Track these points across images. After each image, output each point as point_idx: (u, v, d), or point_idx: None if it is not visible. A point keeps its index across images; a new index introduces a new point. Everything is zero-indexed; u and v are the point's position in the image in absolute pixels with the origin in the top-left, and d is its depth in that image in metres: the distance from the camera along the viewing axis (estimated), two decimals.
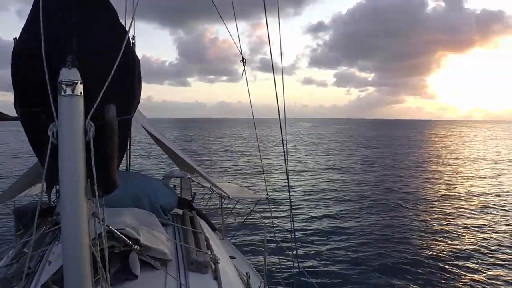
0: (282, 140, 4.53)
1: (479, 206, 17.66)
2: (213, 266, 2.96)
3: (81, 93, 1.46)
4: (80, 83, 1.46)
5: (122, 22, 1.71)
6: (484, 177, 26.38)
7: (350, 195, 19.75)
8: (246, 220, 8.34)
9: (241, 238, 10.84)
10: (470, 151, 47.97)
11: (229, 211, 7.34)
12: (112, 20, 1.66)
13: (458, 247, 11.96)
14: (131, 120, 1.76)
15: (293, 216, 8.66)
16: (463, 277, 9.87)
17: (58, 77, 1.45)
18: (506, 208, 17.27)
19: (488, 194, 20.42)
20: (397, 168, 30.85)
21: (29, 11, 1.58)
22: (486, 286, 9.32)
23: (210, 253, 3.15)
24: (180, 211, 4.42)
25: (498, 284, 9.43)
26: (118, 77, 1.56)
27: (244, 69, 4.86)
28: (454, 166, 32.44)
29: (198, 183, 7.01)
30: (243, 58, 4.79)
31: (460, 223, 14.79)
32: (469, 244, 12.27)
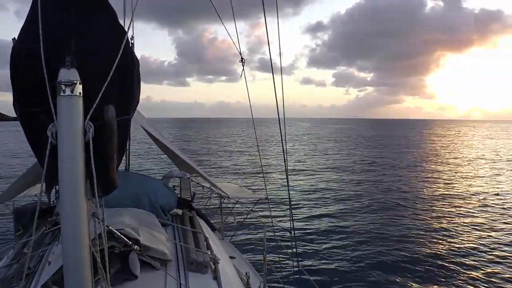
0: (282, 139, 4.53)
1: (478, 205, 17.68)
2: (213, 266, 2.96)
3: (80, 93, 1.46)
4: (79, 84, 1.46)
5: (121, 22, 1.71)
6: (483, 176, 26.40)
7: (349, 195, 19.76)
8: (245, 220, 8.34)
9: (241, 238, 10.84)
10: (469, 150, 48.01)
11: (229, 211, 7.34)
12: (111, 21, 1.66)
13: (457, 245, 11.98)
14: (130, 121, 1.76)
15: (293, 215, 8.66)
16: (461, 274, 9.89)
17: (57, 77, 1.45)
18: (505, 207, 17.30)
19: (487, 193, 20.44)
20: (396, 167, 30.86)
21: (28, 11, 1.58)
22: (485, 284, 9.34)
23: (209, 253, 3.15)
24: (179, 211, 4.42)
25: (497, 282, 9.45)
26: (117, 78, 1.56)
27: (243, 69, 4.86)
28: (453, 166, 32.46)
29: (198, 183, 7.01)
30: (242, 58, 4.79)
31: (458, 221, 14.81)
32: (467, 242, 12.30)
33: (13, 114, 1.68)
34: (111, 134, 1.56)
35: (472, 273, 10.00)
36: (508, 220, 15.15)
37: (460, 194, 20.21)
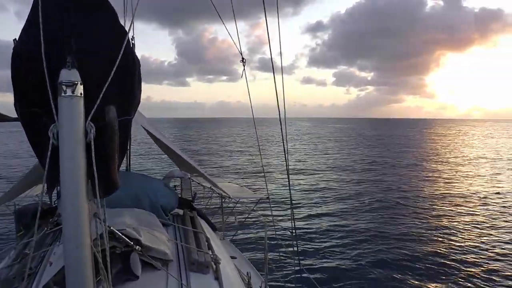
0: (283, 139, 4.53)
1: (478, 204, 17.69)
2: (214, 266, 2.96)
3: (81, 94, 1.46)
4: (80, 84, 1.46)
5: (122, 22, 1.71)
6: (484, 175, 26.39)
7: (350, 194, 19.76)
8: (246, 219, 8.34)
9: (242, 238, 10.84)
10: (470, 149, 47.99)
11: (230, 211, 7.34)
12: (111, 21, 1.66)
13: (458, 244, 12.00)
14: (131, 121, 1.76)
15: (294, 215, 8.67)
16: (462, 272, 9.92)
17: (58, 78, 1.45)
18: (505, 206, 17.30)
19: (487, 191, 20.43)
20: (396, 167, 30.86)
21: (28, 12, 1.58)
22: (485, 282, 9.36)
23: (211, 253, 3.15)
24: (180, 211, 4.42)
25: (497, 280, 9.47)
26: (118, 78, 1.56)
27: (244, 69, 4.86)
28: (453, 165, 32.45)
29: (198, 183, 7.01)
30: (243, 59, 4.78)
31: (459, 220, 14.82)
32: (468, 241, 12.31)
33: (14, 114, 1.69)
34: (112, 134, 1.56)
35: (473, 270, 10.02)
36: (509, 219, 15.17)
37: (460, 193, 20.20)
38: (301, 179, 24.09)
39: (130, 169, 6.61)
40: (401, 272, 9.80)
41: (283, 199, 17.08)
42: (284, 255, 9.41)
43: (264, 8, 4.12)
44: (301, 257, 9.61)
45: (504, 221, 14.84)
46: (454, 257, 10.87)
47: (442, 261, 10.59)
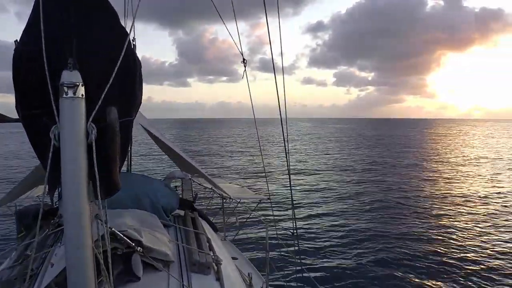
0: (284, 139, 4.52)
1: (479, 204, 17.68)
2: (215, 267, 2.96)
3: (82, 95, 1.46)
4: (82, 85, 1.46)
5: (122, 23, 1.71)
6: (484, 175, 26.37)
7: (351, 194, 19.75)
8: (247, 220, 8.32)
9: (243, 238, 10.82)
10: (470, 149, 47.95)
11: (231, 212, 7.33)
12: (112, 22, 1.66)
13: (459, 244, 11.99)
14: (132, 122, 1.76)
15: (295, 215, 8.66)
16: (462, 271, 9.93)
17: (59, 79, 1.45)
18: (506, 205, 17.30)
19: (488, 192, 20.41)
20: (397, 167, 30.85)
21: (29, 13, 1.58)
22: (485, 282, 9.38)
23: (212, 254, 3.15)
24: (181, 212, 4.42)
25: (498, 279, 9.49)
26: (119, 79, 1.56)
27: (245, 70, 4.85)
28: (454, 165, 32.42)
29: (199, 184, 7.01)
30: (244, 59, 4.78)
31: (459, 220, 14.81)
32: (468, 240, 12.31)
33: (15, 115, 1.69)
34: (113, 135, 1.57)
35: (473, 269, 10.05)
36: (509, 218, 15.21)
37: (461, 193, 20.19)
38: (302, 179, 24.08)
39: (131, 170, 6.62)
40: (402, 272, 9.79)
41: (284, 200, 17.08)
42: (285, 255, 9.40)
43: (265, 9, 4.12)
44: (302, 258, 9.61)
45: (504, 220, 14.86)
46: (454, 257, 10.87)
47: (443, 260, 10.59)
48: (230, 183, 9.69)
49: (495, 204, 17.63)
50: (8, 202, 5.44)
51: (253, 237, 11.42)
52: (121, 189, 1.71)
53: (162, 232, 3.12)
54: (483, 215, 15.65)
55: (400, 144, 55.65)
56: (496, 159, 36.79)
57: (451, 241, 12.29)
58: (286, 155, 4.84)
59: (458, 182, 23.61)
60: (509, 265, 10.32)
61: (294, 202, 16.45)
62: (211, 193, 7.05)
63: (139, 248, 2.58)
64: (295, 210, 11.37)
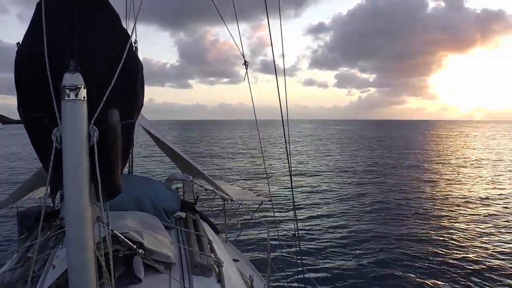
0: (285, 141, 4.52)
1: (480, 205, 17.68)
2: (217, 269, 2.96)
3: (84, 97, 1.46)
4: (84, 88, 1.46)
5: (124, 25, 1.71)
6: (485, 177, 26.33)
7: (352, 196, 19.73)
8: (249, 222, 8.32)
9: (244, 240, 10.82)
10: (472, 151, 47.90)
11: (232, 214, 7.33)
12: (114, 24, 1.66)
13: (459, 245, 11.99)
14: (134, 124, 1.76)
15: (297, 218, 8.65)
16: (463, 272, 9.93)
17: (61, 82, 1.45)
18: (507, 207, 17.29)
19: (489, 193, 20.37)
20: (398, 168, 30.82)
21: (31, 15, 1.59)
22: (486, 282, 9.39)
23: (213, 256, 3.14)
24: (183, 214, 4.41)
25: (498, 279, 9.51)
26: (121, 82, 1.56)
27: (246, 72, 4.85)
28: (456, 166, 32.38)
29: (201, 186, 7.00)
30: (245, 61, 4.78)
31: (460, 221, 14.80)
32: (469, 241, 12.31)
33: (17, 117, 1.69)
34: (115, 138, 1.57)
35: (474, 270, 10.05)
36: (510, 219, 15.23)
37: (462, 194, 20.16)
38: (303, 181, 24.07)
39: (132, 171, 6.62)
40: (403, 273, 9.79)
41: (285, 201, 17.07)
42: (287, 257, 9.39)
43: (266, 10, 4.12)
44: (303, 259, 9.60)
45: (505, 221, 14.88)
46: (455, 258, 10.88)
47: (443, 261, 10.60)
48: (231, 185, 9.68)
49: (496, 205, 17.61)
50: (10, 203, 5.45)
51: (254, 238, 11.43)
52: (123, 191, 1.72)
53: (163, 234, 3.11)
54: (484, 216, 15.65)
55: (401, 146, 55.61)
56: (497, 160, 36.73)
57: (452, 242, 12.29)
58: (287, 156, 4.84)
59: (459, 184, 23.57)
60: (510, 265, 10.33)
61: (295, 203, 16.44)
62: (213, 195, 7.05)
63: (140, 250, 2.58)
64: (296, 212, 11.38)
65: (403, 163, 34.40)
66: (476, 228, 13.86)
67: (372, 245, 11.95)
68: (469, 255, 11.12)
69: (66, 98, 1.44)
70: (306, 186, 22.34)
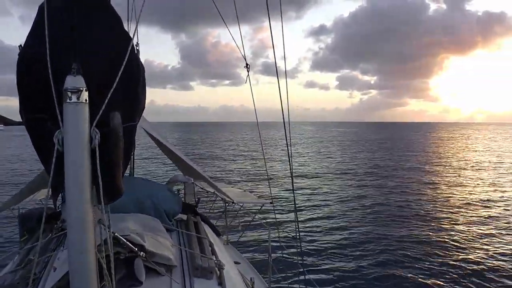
0: (287, 144, 4.51)
1: (481, 207, 17.70)
2: (218, 272, 2.95)
3: (86, 100, 1.46)
4: (85, 90, 1.46)
5: (126, 28, 1.72)
6: (487, 179, 26.30)
7: (354, 198, 19.70)
8: (250, 225, 8.31)
9: (246, 243, 10.81)
10: (473, 153, 47.84)
11: (233, 216, 7.32)
12: (116, 27, 1.67)
13: (460, 246, 12.02)
14: (136, 127, 1.76)
15: (298, 220, 8.64)
16: (464, 272, 9.98)
17: (63, 84, 1.45)
18: (508, 209, 17.30)
19: (491, 195, 20.34)
20: (399, 170, 30.79)
21: (33, 17, 1.59)
22: (487, 283, 9.43)
23: (214, 258, 3.14)
24: (184, 216, 4.41)
25: (499, 281, 9.55)
26: (122, 84, 1.56)
27: (248, 74, 4.85)
28: (456, 168, 32.35)
29: (202, 188, 7.00)
30: (247, 64, 4.78)
31: (461, 223, 14.80)
32: (470, 243, 12.32)
33: (18, 118, 1.69)
34: (117, 140, 1.57)
35: (474, 271, 10.11)
36: (511, 220, 15.27)
37: (463, 196, 20.15)
38: (305, 183, 24.06)
39: (134, 173, 6.62)
40: (405, 276, 9.78)
41: (287, 203, 17.05)
42: (288, 259, 9.37)
43: (268, 12, 4.12)
44: (304, 262, 9.59)
45: (505, 223, 14.90)
46: (456, 260, 10.89)
47: (444, 263, 10.61)
48: (232, 187, 9.68)
49: (497, 207, 17.61)
50: (12, 205, 5.45)
51: (255, 241, 11.42)
52: (124, 193, 1.72)
53: (164, 237, 3.11)
54: (485, 218, 15.67)
55: (402, 148, 55.56)
56: (498, 163, 36.68)
57: (453, 244, 12.30)
58: (289, 158, 4.83)
59: (460, 186, 23.54)
60: (511, 267, 10.35)
61: (297, 206, 16.42)
62: (214, 197, 7.05)
63: (141, 252, 2.58)
64: (298, 215, 11.38)
65: (404, 165, 34.38)
66: (477, 230, 13.86)
67: (373, 247, 11.93)
68: (470, 257, 11.12)
69: (68, 100, 1.44)
70: (307, 188, 22.33)
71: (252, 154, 44.86)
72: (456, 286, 9.25)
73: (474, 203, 18.59)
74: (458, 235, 13.28)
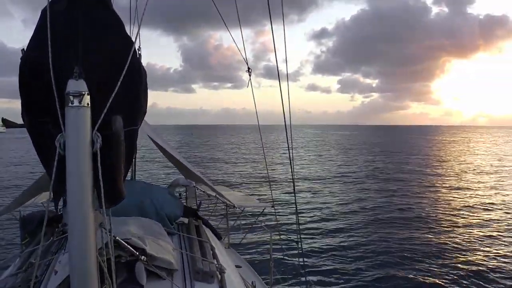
0: (288, 147, 4.51)
1: (482, 209, 17.70)
2: (219, 276, 2.95)
3: (88, 104, 1.46)
4: (87, 94, 1.46)
5: (128, 32, 1.72)
6: (488, 183, 26.22)
7: (355, 201, 19.63)
8: (251, 228, 8.29)
9: (247, 247, 10.79)
10: (474, 157, 47.72)
11: (234, 220, 7.31)
12: (118, 31, 1.67)
13: (462, 248, 12.03)
14: (137, 131, 1.76)
15: (299, 223, 8.63)
16: (465, 273, 10.02)
17: (65, 88, 1.45)
18: (509, 212, 17.27)
19: (493, 198, 20.31)
20: (400, 173, 30.69)
21: (36, 21, 1.59)
22: (487, 284, 9.45)
23: (216, 262, 3.13)
24: (185, 220, 4.41)
25: (500, 282, 9.59)
26: (124, 88, 1.56)
27: (249, 78, 4.86)
28: (458, 171, 32.28)
29: (203, 192, 6.99)
30: (249, 68, 4.79)
31: (462, 225, 14.81)
32: (472, 244, 12.35)
33: (21, 121, 1.70)
34: (118, 144, 1.57)
35: (475, 272, 10.16)
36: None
37: (464, 200, 20.10)
38: (306, 186, 24.00)
39: (135, 177, 6.62)
40: (406, 279, 9.77)
41: (288, 207, 17.00)
42: (289, 263, 9.34)
43: (270, 16, 4.13)
44: (306, 265, 9.56)
45: (507, 226, 14.90)
46: (457, 262, 10.91)
47: (445, 265, 10.63)
48: (233, 190, 9.66)
49: (498, 210, 17.63)
50: (13, 208, 5.45)
51: (256, 244, 11.39)
52: (126, 197, 1.71)
53: (166, 240, 3.11)
54: (486, 221, 15.67)
55: (403, 151, 55.43)
56: (499, 166, 36.59)
57: (454, 246, 12.32)
58: (290, 161, 4.83)
59: (461, 189, 23.49)
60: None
61: (298, 209, 16.36)
62: (215, 200, 7.04)
63: (142, 256, 2.57)
64: (299, 218, 11.35)
65: (405, 168, 34.31)
66: (478, 233, 13.85)
67: (375, 250, 11.90)
68: (470, 260, 11.12)
69: (70, 104, 1.44)
70: (308, 191, 22.28)
71: (254, 157, 44.80)
72: None
73: (475, 206, 18.55)
74: (459, 237, 13.26)
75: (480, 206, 18.51)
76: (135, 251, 2.53)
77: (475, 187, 24.57)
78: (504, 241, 12.88)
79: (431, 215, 16.72)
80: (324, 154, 51.54)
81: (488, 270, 10.36)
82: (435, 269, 10.45)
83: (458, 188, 23.94)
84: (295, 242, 10.57)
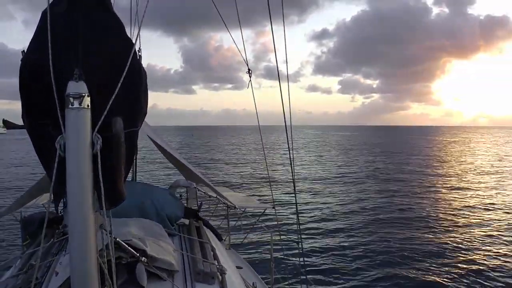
0: (288, 147, 4.51)
1: (482, 210, 17.68)
2: (220, 277, 2.95)
3: (88, 106, 1.47)
4: (87, 96, 1.46)
5: (128, 33, 1.72)
6: (489, 182, 26.25)
7: (356, 202, 19.63)
8: (252, 229, 8.29)
9: (248, 248, 10.79)
10: (475, 157, 47.70)
11: (235, 221, 7.31)
12: (119, 33, 1.67)
13: (462, 249, 12.03)
14: (137, 132, 1.77)
15: (300, 224, 8.63)
16: (465, 274, 10.03)
17: (65, 90, 1.46)
18: (510, 212, 17.25)
19: (494, 199, 20.28)
20: (401, 174, 30.70)
21: (37, 22, 1.60)
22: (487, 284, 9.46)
23: (216, 263, 3.13)
24: (186, 221, 4.41)
25: (502, 281, 9.60)
26: (124, 90, 1.57)
27: (250, 80, 4.87)
28: (459, 171, 32.28)
29: (204, 193, 6.99)
30: (249, 70, 4.79)
31: (462, 225, 14.81)
32: (472, 245, 12.33)
33: (21, 122, 1.70)
34: (118, 146, 1.57)
35: (475, 272, 10.16)
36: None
37: (465, 200, 20.10)
38: (307, 187, 24.01)
39: (136, 178, 6.62)
40: (407, 279, 9.76)
41: (289, 207, 16.99)
42: (290, 264, 9.34)
43: (270, 16, 4.13)
44: (307, 266, 9.56)
45: (507, 226, 14.90)
46: (457, 262, 10.91)
47: (445, 264, 10.66)
48: (234, 191, 9.67)
49: (498, 210, 17.63)
50: (14, 210, 5.45)
51: (257, 246, 11.38)
52: (126, 198, 1.72)
53: (166, 241, 3.11)
54: (487, 221, 15.65)
55: (404, 152, 55.43)
56: (500, 166, 36.57)
57: (454, 246, 12.33)
58: (290, 162, 4.83)
59: (461, 190, 23.48)
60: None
61: (299, 210, 16.35)
62: (216, 201, 7.04)
63: (143, 257, 2.57)
64: (300, 219, 11.35)
65: (405, 168, 34.31)
66: (479, 233, 13.84)
67: (376, 251, 11.89)
68: (471, 260, 11.11)
69: (70, 106, 1.44)
70: (308, 192, 22.29)
71: (254, 157, 44.83)
72: None
73: (475, 206, 18.55)
74: (459, 238, 13.26)
75: (481, 207, 18.50)
76: (135, 253, 2.53)
77: (475, 187, 24.57)
78: (504, 241, 12.88)
79: (432, 215, 16.72)
80: (324, 154, 51.55)
81: (489, 270, 10.36)
82: (436, 269, 10.45)
83: (459, 189, 23.94)
84: (296, 243, 10.56)
